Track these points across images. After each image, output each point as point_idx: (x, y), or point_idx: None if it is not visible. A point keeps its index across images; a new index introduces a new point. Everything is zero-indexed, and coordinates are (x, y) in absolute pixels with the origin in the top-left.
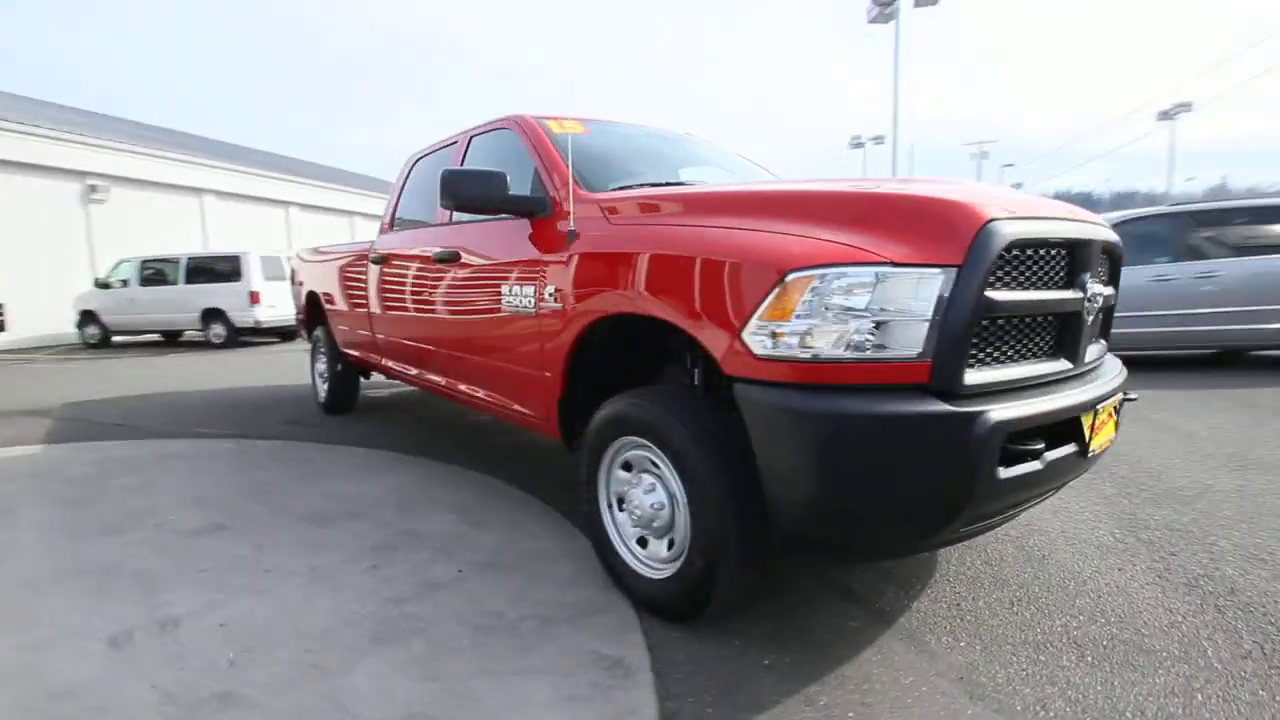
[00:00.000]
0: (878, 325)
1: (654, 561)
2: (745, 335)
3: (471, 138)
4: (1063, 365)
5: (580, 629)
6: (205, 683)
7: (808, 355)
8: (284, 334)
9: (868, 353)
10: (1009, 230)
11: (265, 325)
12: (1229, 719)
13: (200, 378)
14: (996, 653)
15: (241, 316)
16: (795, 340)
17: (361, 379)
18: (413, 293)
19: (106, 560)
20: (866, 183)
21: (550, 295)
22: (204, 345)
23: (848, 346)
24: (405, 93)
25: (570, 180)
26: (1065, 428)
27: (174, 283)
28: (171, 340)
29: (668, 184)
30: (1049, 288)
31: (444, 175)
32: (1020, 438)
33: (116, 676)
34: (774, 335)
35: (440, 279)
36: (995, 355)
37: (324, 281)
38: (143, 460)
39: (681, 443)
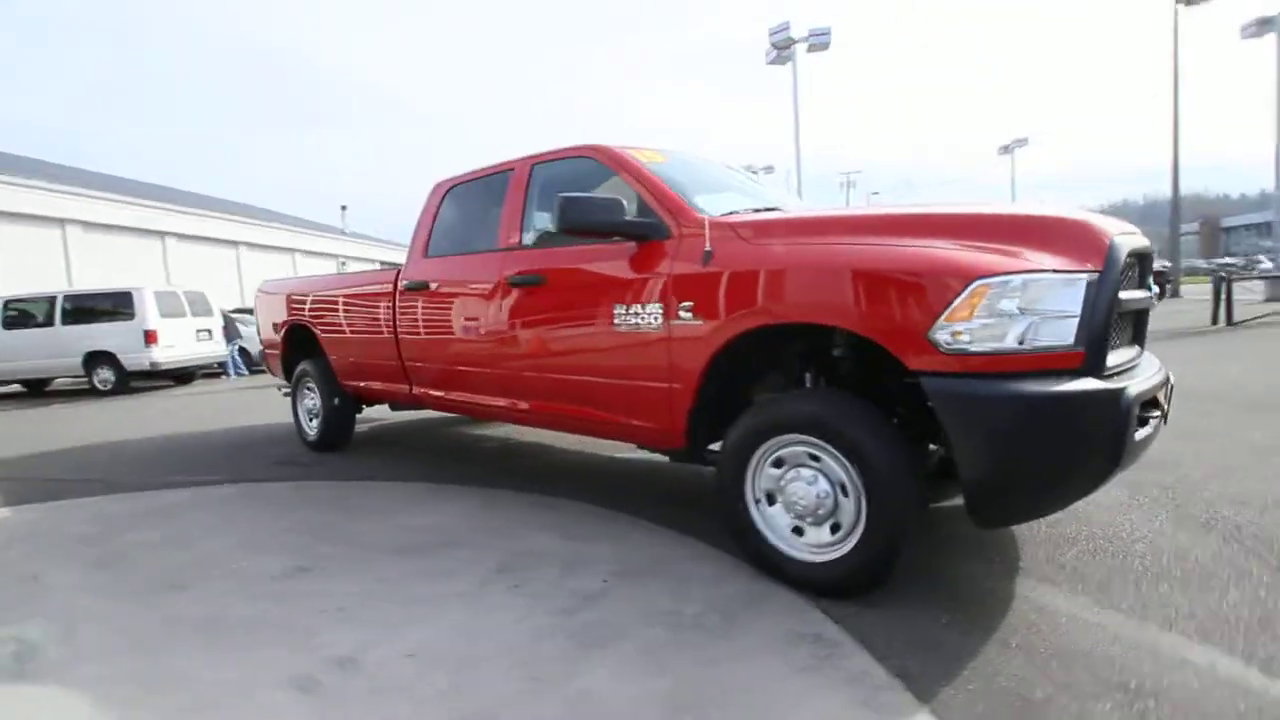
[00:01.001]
0: (1043, 321)
1: (815, 547)
2: (931, 335)
3: (534, 165)
4: (1136, 351)
5: (761, 615)
6: (443, 709)
7: (988, 349)
8: (180, 377)
9: (1036, 344)
10: (1126, 243)
11: (163, 367)
12: None
13: (120, 428)
14: (1109, 587)
15: (135, 359)
16: (976, 337)
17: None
18: (472, 317)
19: (198, 615)
20: (983, 206)
21: (685, 312)
22: (86, 393)
23: (1019, 340)
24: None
25: (686, 205)
26: (1154, 402)
27: (48, 324)
28: (37, 391)
29: (770, 209)
30: (1138, 288)
31: (563, 200)
32: (1142, 408)
33: (345, 717)
34: (955, 334)
35: (519, 303)
36: (1114, 344)
37: (321, 313)
38: (149, 513)
39: (859, 435)
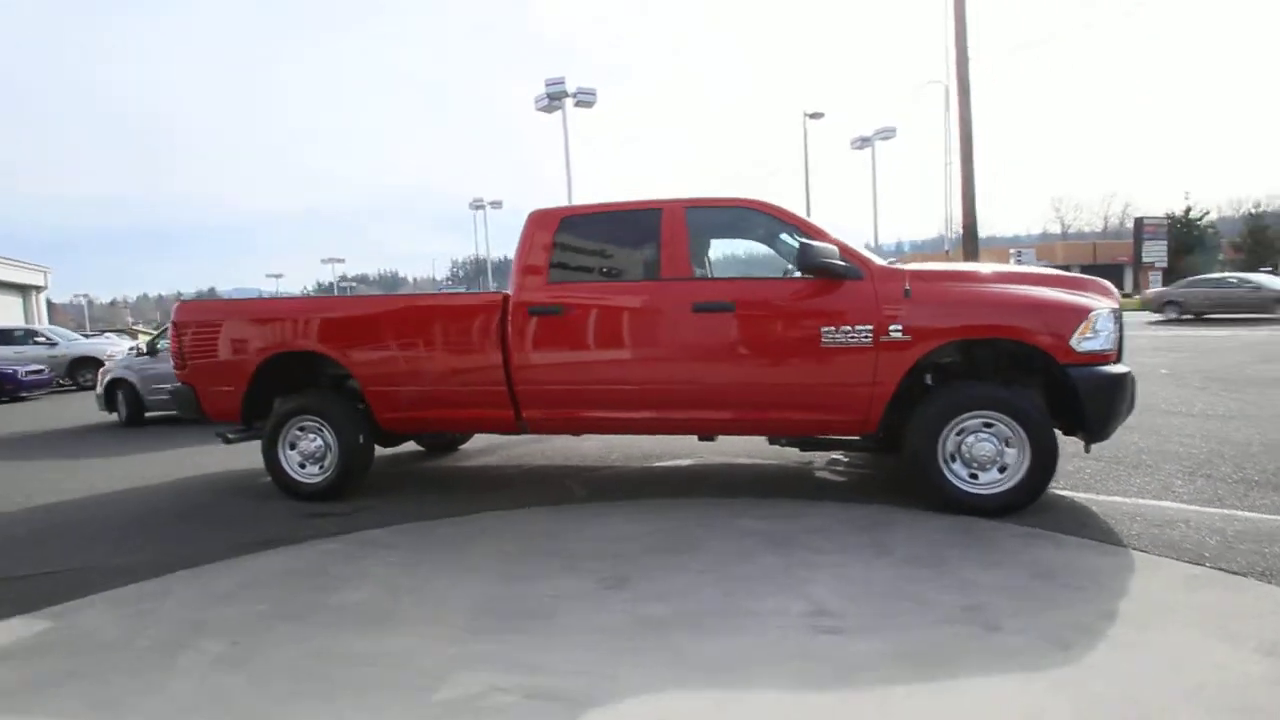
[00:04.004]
0: (1106, 334)
1: (987, 484)
2: (1072, 342)
3: (687, 208)
4: None
5: (980, 527)
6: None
7: (1096, 349)
8: None
9: (1104, 347)
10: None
11: None
12: None
13: None
14: (1128, 482)
15: None
16: (1091, 343)
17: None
18: (641, 340)
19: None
20: (1050, 272)
21: (895, 331)
22: None
23: (1103, 345)
24: None
25: (864, 254)
26: None
27: None
28: None
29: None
30: None
31: (804, 245)
32: None
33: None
34: (1080, 342)
35: (706, 326)
36: None
37: (358, 337)
38: (263, 581)
39: (1025, 406)
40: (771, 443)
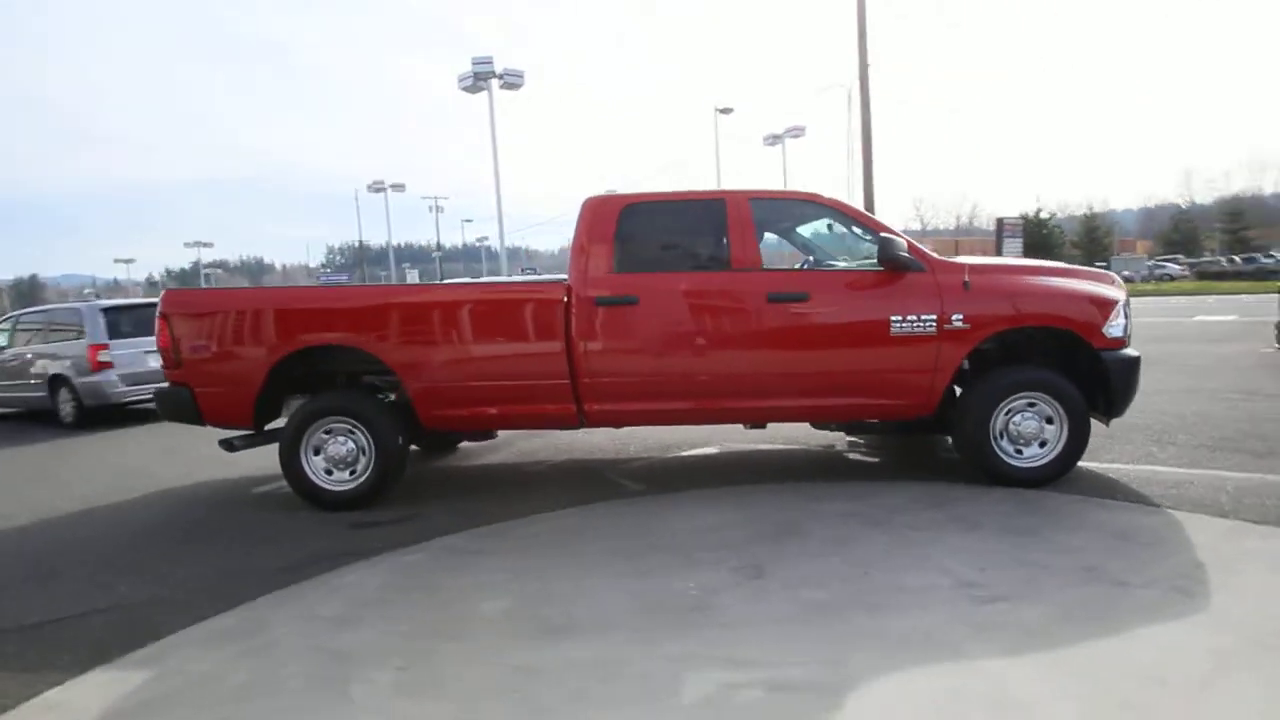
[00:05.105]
0: (1124, 320)
1: (1033, 458)
2: (1105, 329)
3: (750, 199)
4: None
5: (1032, 494)
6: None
7: (1120, 334)
8: None
9: (1123, 332)
10: None
11: None
12: None
13: None
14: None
15: None
16: (1116, 330)
17: None
18: (716, 330)
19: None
20: (1067, 265)
21: (957, 320)
22: None
23: (1123, 331)
24: None
25: (922, 249)
26: None
27: None
28: None
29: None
30: None
31: (884, 239)
32: None
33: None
34: (1110, 327)
35: (781, 316)
36: None
37: (403, 330)
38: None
39: (1065, 388)
40: (817, 427)
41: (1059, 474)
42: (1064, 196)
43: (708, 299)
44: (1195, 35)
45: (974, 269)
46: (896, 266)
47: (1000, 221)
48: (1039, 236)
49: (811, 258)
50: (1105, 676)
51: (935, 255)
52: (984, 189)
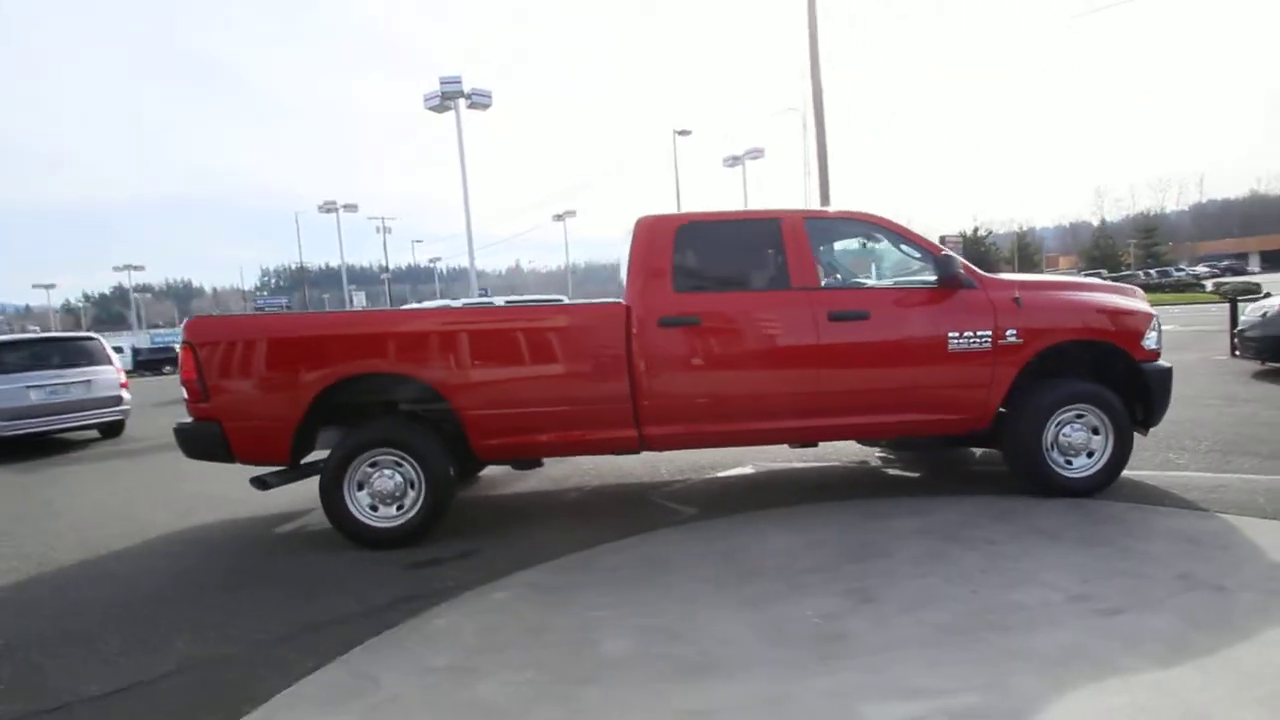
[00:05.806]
0: (1156, 334)
1: (1082, 469)
2: (1143, 342)
3: (806, 219)
4: None
5: (1090, 503)
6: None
7: (1154, 346)
8: None
9: (1160, 346)
10: None
11: None
12: None
13: None
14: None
15: None
16: (1151, 343)
17: None
18: (780, 350)
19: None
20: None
21: (1011, 335)
22: None
23: (1158, 344)
24: None
25: (973, 268)
26: None
27: None
28: None
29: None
30: None
31: (943, 258)
32: None
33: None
34: (1148, 340)
35: (843, 334)
36: None
37: (465, 354)
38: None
39: (1112, 400)
40: (865, 444)
41: (1106, 483)
42: (991, 215)
43: (770, 318)
44: (1106, 56)
45: (1022, 285)
46: (953, 284)
47: (942, 239)
48: (977, 253)
49: (864, 276)
50: (1269, 681)
51: (983, 273)
52: (920, 207)
